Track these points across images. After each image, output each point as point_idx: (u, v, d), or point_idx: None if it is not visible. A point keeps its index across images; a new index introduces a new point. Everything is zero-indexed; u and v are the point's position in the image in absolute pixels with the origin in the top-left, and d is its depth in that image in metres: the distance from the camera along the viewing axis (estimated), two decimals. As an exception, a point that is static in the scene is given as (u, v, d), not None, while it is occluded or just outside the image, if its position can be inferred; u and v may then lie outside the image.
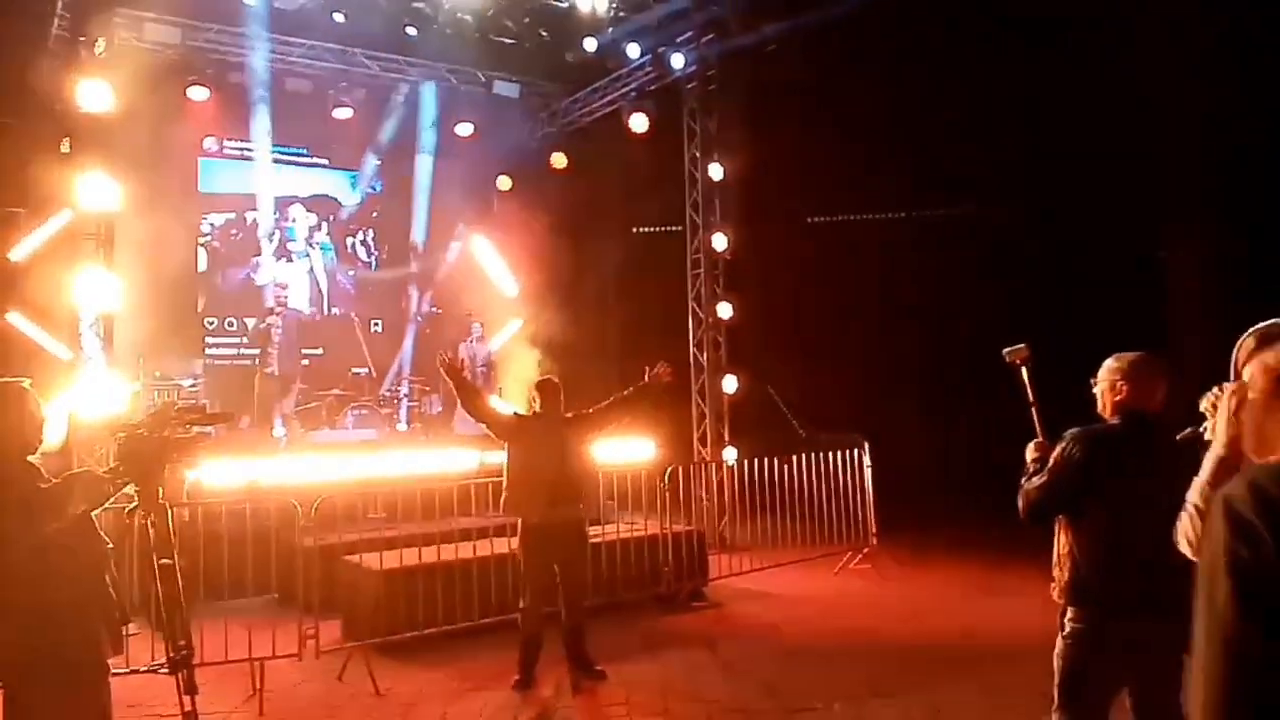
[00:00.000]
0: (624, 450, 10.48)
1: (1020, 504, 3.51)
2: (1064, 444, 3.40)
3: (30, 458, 3.38)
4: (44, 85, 9.42)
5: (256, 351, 12.05)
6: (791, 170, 15.08)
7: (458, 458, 10.03)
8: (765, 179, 13.64)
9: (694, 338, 11.35)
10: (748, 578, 8.44)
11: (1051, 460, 3.42)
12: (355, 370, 12.29)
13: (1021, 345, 3.86)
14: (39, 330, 10.87)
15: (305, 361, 12.27)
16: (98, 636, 3.40)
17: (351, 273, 13.51)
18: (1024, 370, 3.84)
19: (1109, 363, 3.51)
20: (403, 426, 12.30)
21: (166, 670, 3.81)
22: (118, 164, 8.53)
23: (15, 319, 11.06)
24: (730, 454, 10.87)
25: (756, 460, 9.16)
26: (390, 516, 8.12)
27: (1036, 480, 3.45)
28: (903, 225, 16.87)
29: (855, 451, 9.41)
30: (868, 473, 9.39)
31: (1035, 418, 3.73)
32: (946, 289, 15.08)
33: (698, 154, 11.39)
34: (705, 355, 11.22)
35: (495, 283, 14.01)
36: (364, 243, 13.70)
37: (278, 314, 12.06)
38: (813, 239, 16.67)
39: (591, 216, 14.66)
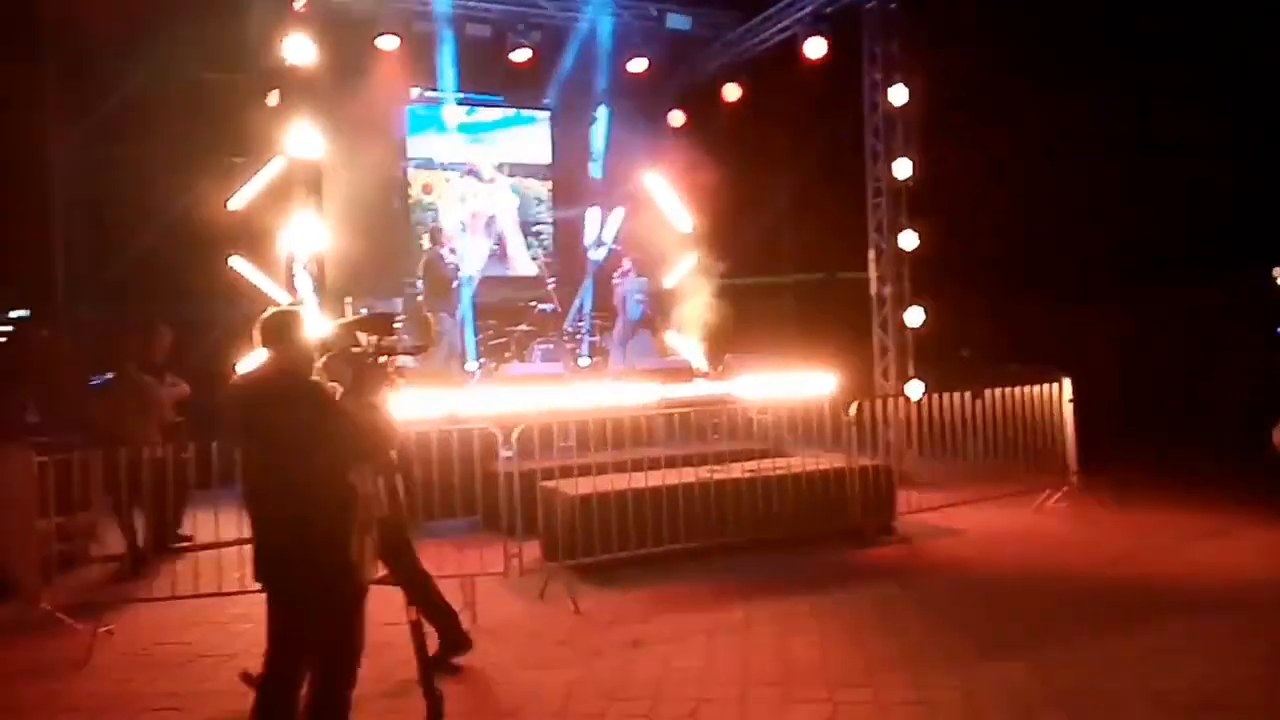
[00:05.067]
0: (802, 383, 10.39)
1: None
2: None
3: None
4: (253, 41, 10.07)
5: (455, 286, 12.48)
6: (978, 91, 14.22)
7: (638, 391, 10.24)
8: (950, 102, 12.94)
9: (875, 269, 11.00)
10: (937, 514, 8.23)
11: None
12: (541, 306, 12.69)
13: None
14: (258, 273, 11.81)
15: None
16: (366, 552, 3.65)
17: (536, 212, 13.92)
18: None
19: None
20: (585, 361, 12.65)
21: (395, 583, 4.12)
22: (322, 113, 9.04)
23: (238, 263, 12.06)
24: (915, 388, 10.55)
25: (944, 395, 8.83)
26: (578, 445, 8.43)
27: None
28: (1110, 142, 15.52)
29: (1054, 386, 8.92)
30: (1068, 409, 8.89)
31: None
32: (1161, 214, 13.90)
33: (878, 77, 10.91)
34: (888, 287, 10.87)
35: (670, 219, 14.05)
36: (545, 182, 14.05)
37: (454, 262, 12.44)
38: (1002, 163, 15.69)
39: (766, 148, 14.38)
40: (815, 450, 8.23)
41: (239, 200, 12.17)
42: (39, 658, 5.52)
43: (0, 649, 5.71)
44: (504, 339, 12.23)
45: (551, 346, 12.30)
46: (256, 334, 3.65)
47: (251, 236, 11.62)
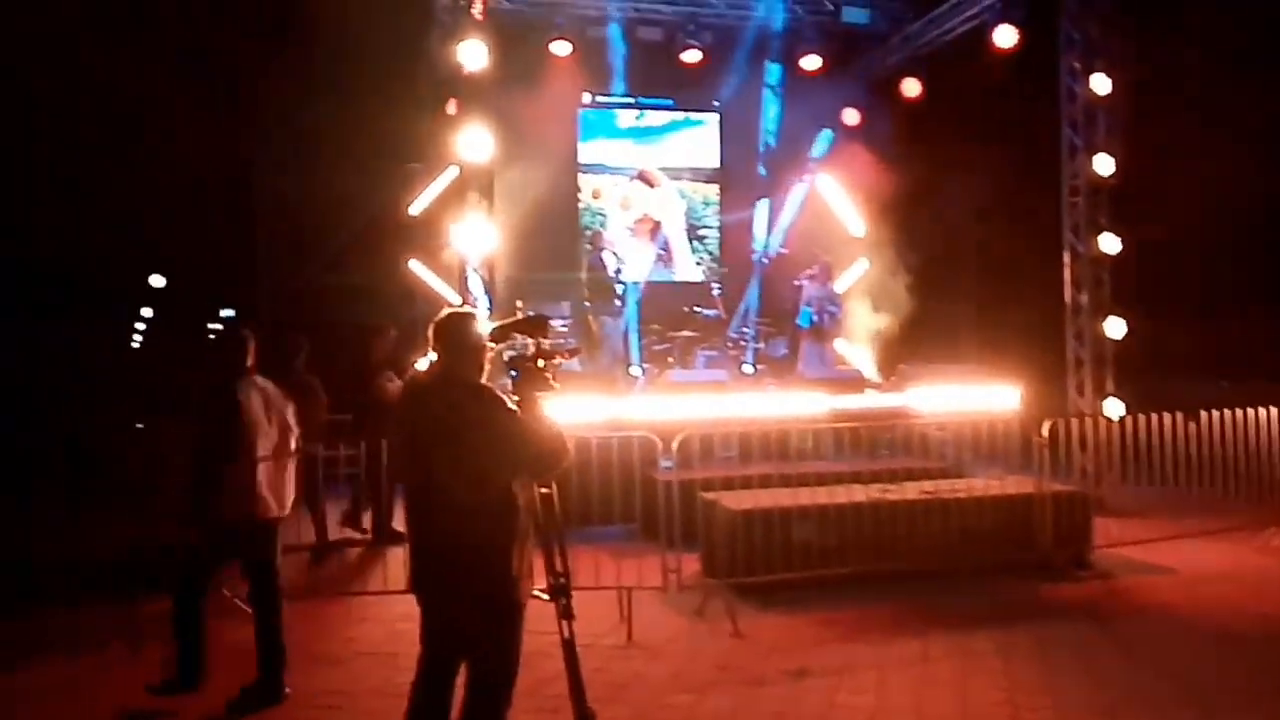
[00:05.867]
0: (983, 397, 9.67)
1: None
2: None
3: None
4: (433, 50, 10.38)
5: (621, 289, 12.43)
6: (1189, 80, 12.92)
7: (806, 401, 9.81)
8: (1158, 91, 11.80)
9: (1070, 274, 10.12)
10: (1140, 548, 7.39)
11: None
12: (705, 313, 12.46)
13: None
14: (434, 276, 12.20)
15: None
16: (526, 563, 3.50)
17: (702, 216, 13.74)
18: None
19: None
20: (749, 369, 12.31)
21: (546, 596, 3.96)
22: (495, 119, 9.16)
23: (415, 266, 12.51)
24: (1114, 406, 9.61)
25: (1149, 415, 7.95)
26: (741, 456, 8.13)
27: None
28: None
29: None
30: (1301, 434, 7.82)
31: None
32: None
33: (1077, 65, 10.04)
34: (1084, 294, 9.97)
35: (841, 222, 13.52)
36: (712, 185, 13.85)
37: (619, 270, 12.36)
38: (1215, 159, 14.18)
39: (946, 146, 13.57)
40: (998, 471, 7.58)
41: (418, 206, 12.65)
42: (214, 644, 5.74)
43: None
44: (667, 345, 12.07)
45: (715, 353, 12.04)
46: (430, 335, 3.58)
47: (429, 240, 12.04)
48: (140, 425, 9.75)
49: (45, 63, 14.68)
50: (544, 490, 3.95)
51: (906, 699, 4.72)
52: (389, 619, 6.01)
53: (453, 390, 3.45)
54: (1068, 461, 7.71)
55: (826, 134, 13.45)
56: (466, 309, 3.68)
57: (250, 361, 4.95)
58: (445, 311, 3.71)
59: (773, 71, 13.12)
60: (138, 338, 28.85)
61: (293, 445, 4.98)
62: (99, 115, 16.03)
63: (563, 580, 3.88)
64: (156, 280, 25.83)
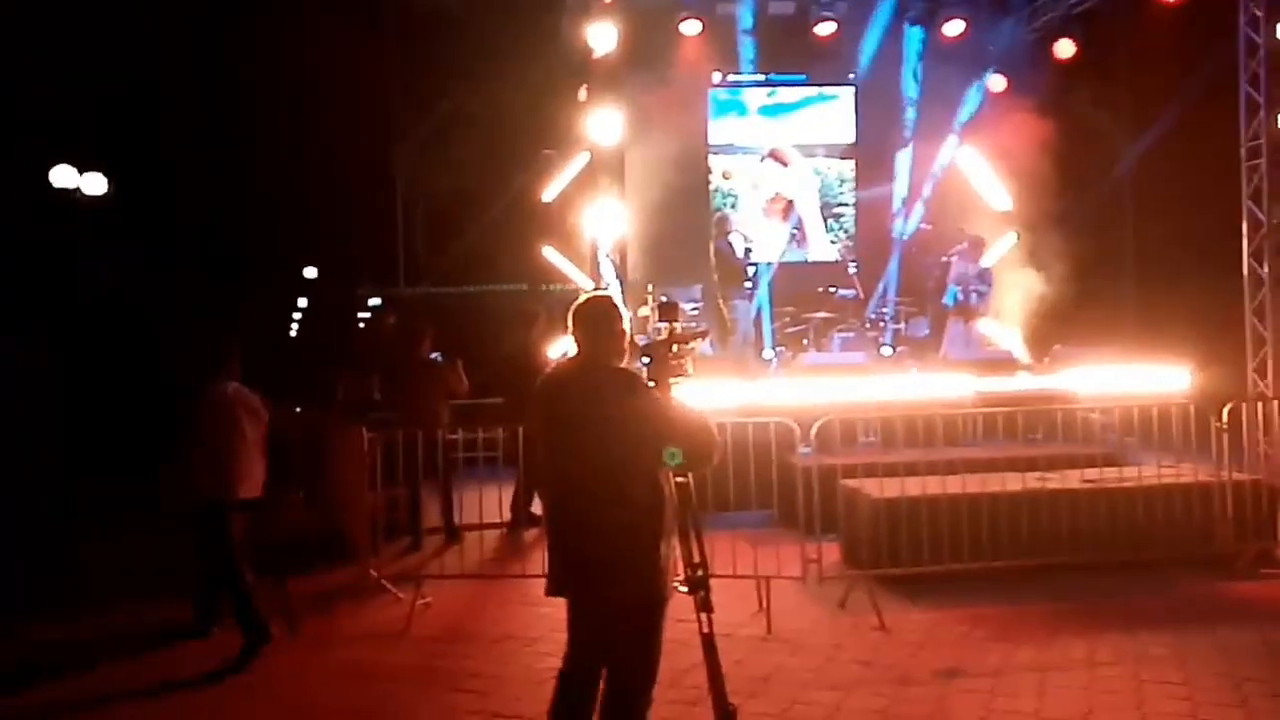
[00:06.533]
0: (1151, 378, 8.97)
1: None
2: None
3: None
4: (564, 34, 10.40)
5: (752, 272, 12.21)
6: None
7: (949, 383, 9.36)
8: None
9: (1250, 245, 9.25)
10: (1337, 544, 6.69)
11: None
12: (842, 293, 12.07)
13: None
14: (567, 262, 12.30)
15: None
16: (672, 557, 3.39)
17: (838, 194, 13.32)
18: None
19: None
20: (888, 350, 11.86)
21: (685, 589, 3.85)
22: (626, 101, 9.10)
23: (549, 252, 12.65)
24: (1301, 389, 8.75)
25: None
26: (884, 442, 7.80)
27: None
28: None
29: None
30: None
31: None
32: None
33: (1259, 13, 9.10)
34: (1266, 266, 9.09)
35: (985, 196, 12.82)
36: (847, 161, 13.40)
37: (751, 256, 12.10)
38: None
39: (1105, 109, 12.70)
40: (1167, 459, 6.98)
41: (551, 192, 12.77)
42: (365, 624, 5.95)
43: (335, 612, 6.22)
44: (802, 326, 11.75)
45: (852, 335, 11.62)
46: (570, 321, 3.51)
47: (563, 226, 12.13)
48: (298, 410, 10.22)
49: (191, 67, 15.60)
50: (679, 479, 3.84)
51: (1073, 706, 4.38)
52: (531, 601, 6.07)
53: (596, 375, 3.35)
54: (1244, 448, 7.03)
55: (971, 102, 12.77)
56: (605, 292, 3.58)
57: (228, 365, 5.64)
58: (584, 296, 3.63)
59: (912, 39, 12.53)
60: (294, 328, 30.47)
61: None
62: (238, 110, 16.94)
63: (700, 572, 3.76)
64: (309, 271, 27.18)
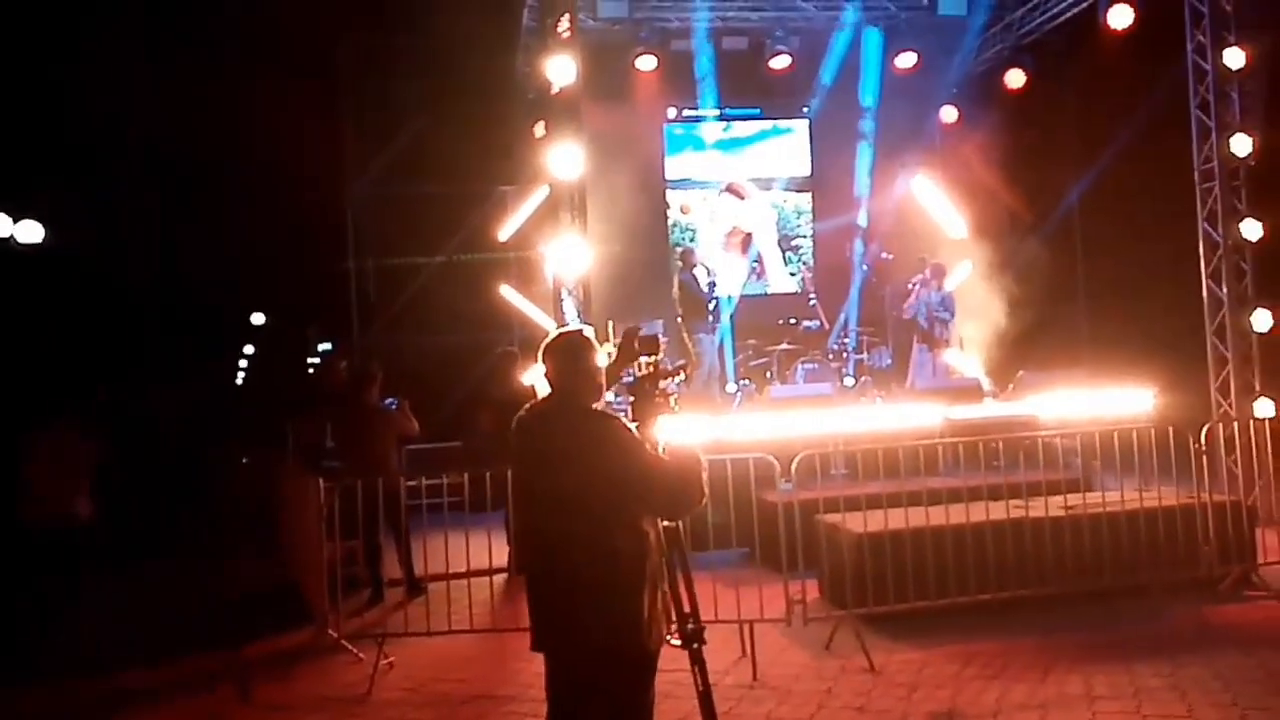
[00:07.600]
0: (1114, 402, 8.96)
1: None
2: None
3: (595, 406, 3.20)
4: (519, 74, 10.26)
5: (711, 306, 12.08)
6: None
7: (916, 413, 9.26)
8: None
9: (1208, 266, 9.33)
10: (1315, 564, 6.64)
11: None
12: (806, 324, 11.99)
13: None
14: (525, 301, 12.07)
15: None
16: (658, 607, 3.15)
17: (795, 227, 13.30)
18: None
19: None
20: (850, 380, 11.78)
21: (678, 642, 3.60)
22: (583, 136, 8.95)
23: (507, 292, 12.42)
24: (1264, 407, 8.79)
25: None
26: (853, 474, 7.62)
27: None
28: None
29: None
30: None
31: None
32: None
33: (1204, 40, 9.28)
34: (1224, 287, 9.18)
35: (940, 224, 12.90)
36: (804, 194, 13.41)
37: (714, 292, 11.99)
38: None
39: (1056, 137, 12.93)
40: (1135, 482, 6.88)
41: (507, 230, 12.58)
42: (325, 687, 5.57)
43: (292, 676, 5.83)
44: (765, 359, 11.64)
45: (815, 366, 11.53)
46: (541, 357, 3.27)
47: (520, 264, 11.92)
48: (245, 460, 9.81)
49: (145, 107, 15.20)
50: (667, 524, 3.60)
51: (1078, 745, 4.20)
52: (502, 657, 5.73)
53: (572, 420, 3.12)
54: (1221, 470, 6.98)
55: (923, 134, 12.88)
56: (578, 328, 3.35)
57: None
58: (556, 331, 3.41)
59: (866, 72, 12.64)
60: (240, 375, 29.78)
61: None
62: (191, 153, 16.54)
63: (691, 624, 3.50)
64: (257, 318, 26.61)
